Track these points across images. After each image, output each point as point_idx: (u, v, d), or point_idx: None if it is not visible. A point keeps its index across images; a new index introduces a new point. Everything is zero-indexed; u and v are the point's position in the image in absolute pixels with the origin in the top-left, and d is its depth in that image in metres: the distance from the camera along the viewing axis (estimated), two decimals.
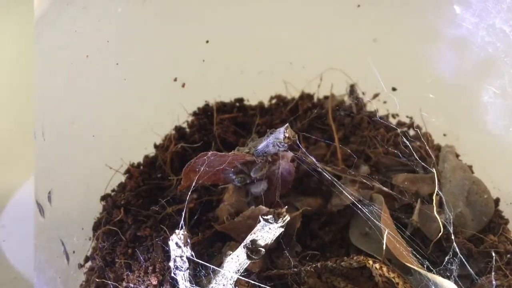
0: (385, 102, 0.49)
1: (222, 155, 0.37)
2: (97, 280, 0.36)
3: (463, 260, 0.39)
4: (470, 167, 0.46)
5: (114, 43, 0.40)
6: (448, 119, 0.47)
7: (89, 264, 0.38)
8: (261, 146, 0.37)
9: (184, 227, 0.33)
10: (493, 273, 0.38)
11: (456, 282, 0.37)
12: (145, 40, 0.42)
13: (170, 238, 0.32)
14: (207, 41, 0.43)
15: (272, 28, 0.46)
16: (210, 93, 0.47)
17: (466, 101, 0.46)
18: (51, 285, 0.32)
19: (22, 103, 0.47)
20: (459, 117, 0.46)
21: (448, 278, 0.36)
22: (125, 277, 0.36)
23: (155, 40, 0.42)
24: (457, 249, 0.39)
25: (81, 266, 0.38)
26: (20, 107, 0.48)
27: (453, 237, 0.37)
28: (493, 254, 0.39)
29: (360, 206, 0.39)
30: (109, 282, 0.36)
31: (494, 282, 0.36)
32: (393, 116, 0.49)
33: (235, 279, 0.34)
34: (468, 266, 0.38)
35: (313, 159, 0.37)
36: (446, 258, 0.38)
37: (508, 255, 0.40)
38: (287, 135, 0.36)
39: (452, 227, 0.41)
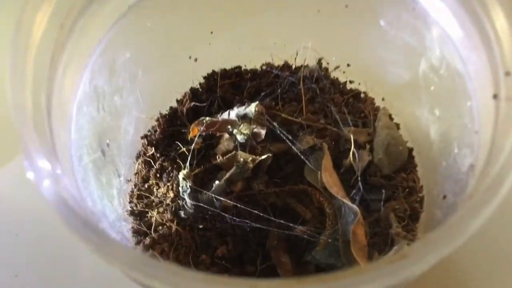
0: (344, 72, 0.66)
1: (214, 120, 0.57)
2: (138, 192, 0.58)
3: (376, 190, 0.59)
4: (398, 125, 0.63)
5: None
6: (385, 88, 0.64)
7: (132, 182, 0.60)
8: (242, 113, 0.57)
9: (188, 167, 0.54)
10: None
11: (363, 205, 0.57)
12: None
13: (179, 174, 0.53)
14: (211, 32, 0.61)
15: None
16: (217, 64, 0.65)
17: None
18: (110, 194, 0.53)
19: None
20: (397, 88, 0.63)
21: (354, 202, 0.56)
22: (155, 191, 0.58)
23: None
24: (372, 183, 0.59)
25: (128, 181, 0.60)
26: None
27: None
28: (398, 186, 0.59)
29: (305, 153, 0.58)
30: (144, 193, 0.58)
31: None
32: (350, 82, 0.66)
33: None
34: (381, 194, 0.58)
35: (275, 124, 0.57)
36: (359, 187, 0.57)
37: (407, 189, 0.59)
38: (257, 109, 0.56)
39: (373, 167, 0.60)
